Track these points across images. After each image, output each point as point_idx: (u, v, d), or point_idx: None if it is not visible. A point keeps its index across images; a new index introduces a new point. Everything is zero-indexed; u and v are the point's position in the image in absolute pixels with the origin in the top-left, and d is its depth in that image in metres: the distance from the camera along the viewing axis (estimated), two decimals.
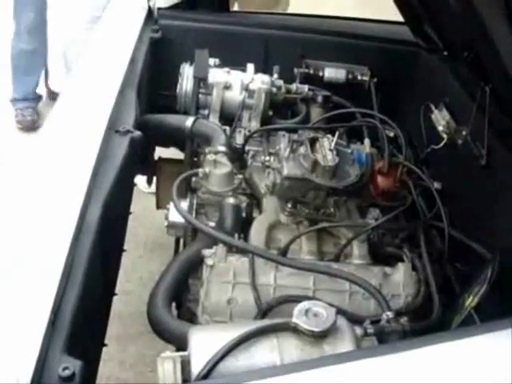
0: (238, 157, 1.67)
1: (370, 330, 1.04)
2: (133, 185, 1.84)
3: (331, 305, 1.25)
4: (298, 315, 0.98)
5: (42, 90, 3.71)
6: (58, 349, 0.93)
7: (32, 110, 3.54)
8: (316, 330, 0.96)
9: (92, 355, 1.32)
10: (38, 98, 3.65)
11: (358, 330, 1.03)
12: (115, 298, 1.98)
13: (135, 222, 2.13)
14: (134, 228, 2.40)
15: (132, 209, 1.90)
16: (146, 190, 2.55)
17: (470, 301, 1.20)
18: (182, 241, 1.70)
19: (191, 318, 1.42)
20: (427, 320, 1.24)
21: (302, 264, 1.29)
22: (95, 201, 1.23)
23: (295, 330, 0.98)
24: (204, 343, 0.98)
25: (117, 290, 2.26)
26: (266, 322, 1.04)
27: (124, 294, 2.48)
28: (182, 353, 0.99)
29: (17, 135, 3.52)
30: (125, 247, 1.84)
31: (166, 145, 2.25)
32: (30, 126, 3.50)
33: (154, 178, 2.26)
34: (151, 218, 2.66)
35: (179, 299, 1.51)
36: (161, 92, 1.91)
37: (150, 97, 1.84)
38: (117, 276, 1.72)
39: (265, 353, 0.97)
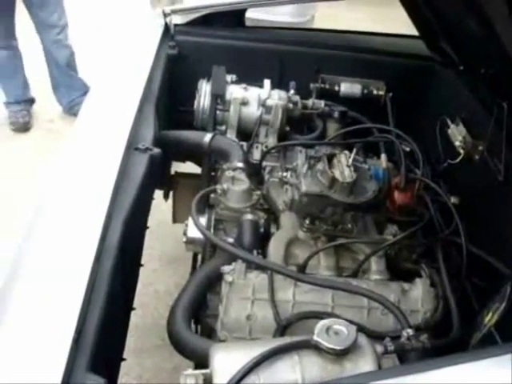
0: (255, 172, 1.69)
1: (391, 348, 1.05)
2: (151, 200, 1.86)
3: (351, 321, 1.28)
4: (319, 333, 0.98)
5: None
6: (83, 367, 0.95)
7: (25, 113, 3.77)
8: (337, 348, 0.97)
9: (114, 371, 1.33)
10: (31, 100, 3.85)
11: (379, 348, 1.04)
12: (132, 312, 2.00)
13: (150, 235, 2.15)
14: (150, 242, 2.42)
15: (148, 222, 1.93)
16: None
17: (490, 317, 1.20)
18: (199, 256, 1.72)
19: (209, 334, 1.44)
20: (447, 337, 1.24)
21: (321, 281, 1.29)
22: (116, 220, 1.25)
23: (316, 348, 0.98)
24: (226, 361, 0.99)
25: (133, 304, 2.28)
26: (287, 339, 1.04)
27: (140, 307, 2.48)
28: (204, 370, 0.99)
29: (9, 136, 3.74)
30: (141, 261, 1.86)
31: (183, 160, 2.28)
32: (23, 127, 3.76)
33: (171, 193, 2.29)
34: (166, 231, 2.68)
35: (197, 314, 1.52)
36: (178, 108, 1.93)
37: (167, 113, 1.86)
38: (135, 290, 1.73)
39: (286, 370, 0.98)
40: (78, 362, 0.95)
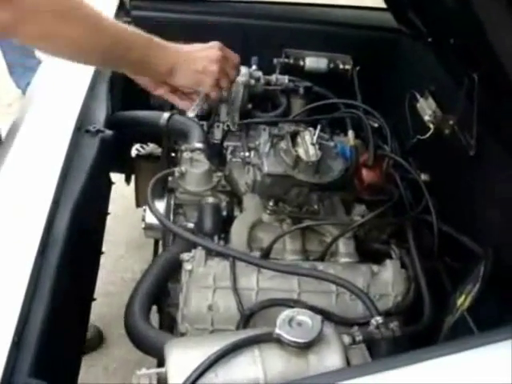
0: (216, 153, 1.60)
1: (359, 338, 0.98)
2: (109, 186, 1.77)
3: (318, 309, 1.22)
4: (281, 325, 0.91)
5: None
6: (24, 372, 0.86)
7: None
8: (301, 340, 0.90)
9: (67, 368, 1.25)
10: None
11: (346, 338, 0.97)
12: (96, 302, 1.91)
13: (114, 221, 2.06)
14: (114, 228, 2.33)
15: (110, 208, 1.83)
16: None
17: (463, 300, 1.14)
18: (160, 243, 1.63)
19: (171, 325, 1.36)
20: (418, 323, 1.18)
21: (284, 266, 1.22)
22: (64, 208, 1.16)
23: (279, 341, 0.91)
24: (181, 358, 0.91)
25: (98, 293, 2.19)
26: (248, 332, 0.97)
27: (106, 296, 2.41)
28: (158, 369, 0.92)
29: None
30: (104, 248, 1.77)
31: (142, 141, 2.18)
32: None
33: (133, 176, 2.20)
34: (131, 216, 2.58)
35: (158, 304, 1.45)
36: (134, 87, 1.83)
37: (123, 92, 1.76)
38: (95, 281, 1.64)
39: (247, 366, 0.90)
40: (18, 366, 0.87)
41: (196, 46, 1.31)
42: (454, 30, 1.38)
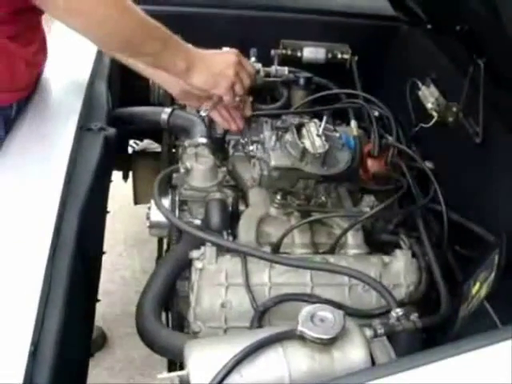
0: (218, 148, 1.58)
1: (381, 331, 0.97)
2: (109, 183, 1.74)
3: (332, 302, 1.21)
4: (303, 322, 0.90)
5: None
6: (43, 381, 0.84)
7: None
8: (325, 337, 0.89)
9: (79, 373, 1.23)
10: None
11: (368, 332, 0.96)
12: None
13: (113, 219, 2.04)
14: (113, 225, 2.31)
15: (108, 205, 1.81)
16: None
17: (478, 288, 1.13)
18: (165, 241, 1.61)
19: (181, 323, 1.34)
20: (436, 314, 1.17)
21: (297, 261, 1.21)
22: (71, 210, 1.13)
23: (301, 338, 0.90)
24: (203, 360, 0.90)
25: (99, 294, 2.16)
26: (269, 330, 0.96)
27: (106, 295, 2.39)
28: (180, 372, 0.90)
29: None
30: (104, 247, 1.75)
31: (138, 138, 2.16)
32: None
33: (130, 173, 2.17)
34: (129, 213, 2.56)
35: (167, 303, 1.43)
36: (133, 83, 1.80)
37: (121, 89, 1.73)
38: (98, 281, 1.62)
39: (271, 365, 0.89)
40: (35, 376, 0.84)
41: (214, 50, 1.36)
42: (457, 17, 1.37)
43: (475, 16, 1.21)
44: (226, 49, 1.44)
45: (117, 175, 2.22)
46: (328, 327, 0.90)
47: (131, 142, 2.28)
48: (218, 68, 1.31)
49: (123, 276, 2.53)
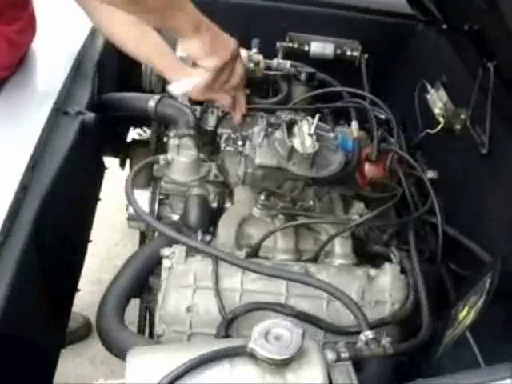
0: (209, 141, 1.50)
1: (345, 355, 0.87)
2: (102, 170, 1.68)
3: (305, 315, 1.12)
4: (256, 338, 0.81)
5: None
6: None
7: None
8: (277, 357, 0.79)
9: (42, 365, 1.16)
10: None
11: (330, 354, 0.86)
12: (87, 290, 1.83)
13: (109, 207, 1.98)
14: (109, 214, 2.25)
15: (106, 193, 1.74)
16: None
17: (465, 313, 1.03)
18: None
19: (152, 322, 1.27)
20: (413, 339, 1.07)
21: (269, 269, 1.11)
22: (33, 195, 1.06)
23: (253, 356, 0.81)
24: (142, 370, 0.81)
25: (89, 281, 2.11)
26: (221, 343, 0.87)
27: (98, 284, 2.32)
28: (117, 381, 0.82)
29: None
30: (99, 235, 1.69)
31: (139, 126, 2.08)
32: None
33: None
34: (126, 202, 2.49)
35: (140, 298, 1.36)
36: (128, 69, 1.72)
37: (115, 73, 1.65)
38: (78, 272, 1.55)
39: (216, 382, 0.81)
40: None
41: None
42: (471, 16, 1.26)
43: (484, 16, 1.10)
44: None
45: (114, 162, 2.16)
46: (283, 347, 0.80)
47: (137, 130, 2.21)
48: (218, 44, 1.24)
49: (117, 266, 2.44)
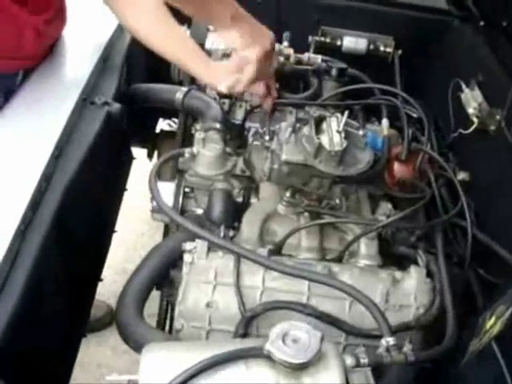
0: (237, 135, 1.48)
1: (364, 360, 0.85)
2: (129, 161, 1.67)
3: (327, 316, 1.09)
4: (273, 341, 0.79)
5: None
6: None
7: None
8: (294, 361, 0.77)
9: (63, 355, 1.16)
10: None
11: (349, 360, 0.84)
12: (111, 279, 1.83)
13: (138, 196, 1.98)
14: (136, 204, 2.25)
15: (133, 183, 1.73)
16: None
17: (492, 323, 0.99)
18: None
19: (172, 316, 1.26)
20: (437, 347, 1.03)
21: (291, 268, 1.09)
22: (54, 187, 1.05)
23: (269, 358, 0.79)
24: (156, 367, 0.80)
25: (115, 270, 2.11)
26: (237, 343, 0.85)
27: (123, 274, 2.33)
28: (131, 376, 0.81)
29: None
30: (127, 225, 1.68)
31: (168, 117, 2.08)
32: None
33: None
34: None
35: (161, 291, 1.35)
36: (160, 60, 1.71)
37: (144, 64, 1.64)
38: (102, 261, 1.55)
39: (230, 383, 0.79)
40: None
41: None
42: (510, 12, 1.22)
43: None
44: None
45: (143, 152, 2.16)
46: (300, 350, 0.79)
47: (167, 121, 2.21)
48: (257, 33, 1.24)
49: (142, 256, 2.46)
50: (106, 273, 1.57)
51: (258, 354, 0.80)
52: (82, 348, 1.40)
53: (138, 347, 1.05)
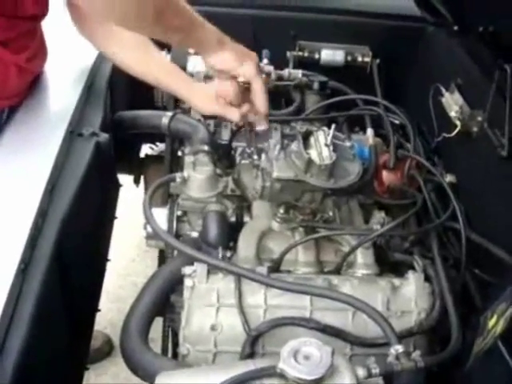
0: (224, 155, 1.49)
1: (375, 371, 0.86)
2: (117, 188, 1.67)
3: (332, 328, 1.10)
4: (285, 359, 0.80)
5: None
6: None
7: None
8: (308, 378, 0.78)
9: None
10: None
11: (361, 371, 0.85)
12: (107, 307, 1.82)
13: (126, 223, 1.97)
14: (125, 230, 2.25)
15: (121, 210, 1.74)
16: None
17: (494, 322, 1.01)
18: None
19: (176, 341, 1.26)
20: (445, 351, 1.05)
21: (292, 285, 1.10)
22: (52, 220, 1.05)
23: (283, 377, 0.80)
24: None
25: (108, 298, 2.10)
26: (249, 364, 0.86)
27: (117, 301, 2.32)
28: None
29: None
30: (116, 252, 1.68)
31: (152, 141, 2.09)
32: None
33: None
34: (142, 218, 2.48)
35: (163, 317, 1.35)
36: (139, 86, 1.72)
37: (127, 91, 1.65)
38: (99, 291, 1.55)
39: None
40: None
41: None
42: (483, 17, 1.24)
43: (500, 17, 1.08)
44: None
45: (128, 179, 2.16)
46: (313, 366, 0.79)
47: (148, 145, 2.21)
48: (244, 53, 1.24)
49: (135, 282, 2.46)
50: (100, 301, 1.57)
51: (271, 373, 0.80)
52: (83, 381, 1.39)
53: (147, 377, 1.05)
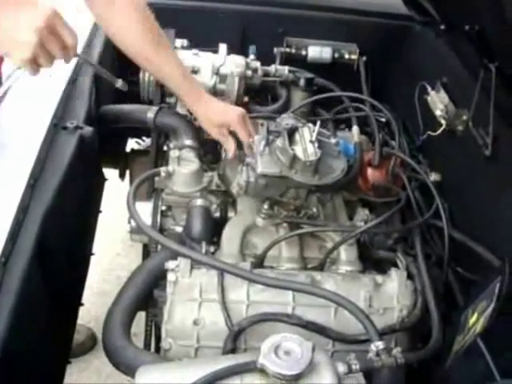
0: (211, 150, 1.48)
1: (356, 366, 0.86)
2: (102, 182, 1.66)
3: (313, 324, 1.10)
4: (265, 354, 0.80)
5: None
6: None
7: None
8: (288, 373, 0.78)
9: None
10: None
11: (341, 367, 0.85)
12: (91, 302, 1.80)
13: (110, 217, 1.96)
14: (110, 225, 2.23)
15: (106, 204, 1.73)
16: None
17: (475, 319, 1.02)
18: None
19: (159, 335, 1.26)
20: (425, 348, 1.05)
21: (275, 280, 1.10)
22: (32, 216, 1.04)
23: (263, 372, 0.80)
24: None
25: (93, 292, 2.08)
26: (230, 358, 0.86)
27: (101, 296, 2.31)
28: None
29: None
30: (101, 246, 1.67)
31: (138, 136, 2.07)
32: None
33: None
34: (127, 212, 2.47)
35: (146, 311, 1.34)
36: (127, 78, 1.71)
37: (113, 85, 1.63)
38: (82, 285, 1.54)
39: None
40: None
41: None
42: (469, 16, 1.25)
43: (485, 16, 1.09)
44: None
45: (114, 173, 2.15)
46: (293, 362, 0.79)
47: (135, 140, 2.20)
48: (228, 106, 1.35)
49: (119, 276, 2.44)
50: (84, 295, 1.56)
51: (251, 368, 0.80)
52: (66, 374, 1.38)
53: (129, 371, 1.05)
